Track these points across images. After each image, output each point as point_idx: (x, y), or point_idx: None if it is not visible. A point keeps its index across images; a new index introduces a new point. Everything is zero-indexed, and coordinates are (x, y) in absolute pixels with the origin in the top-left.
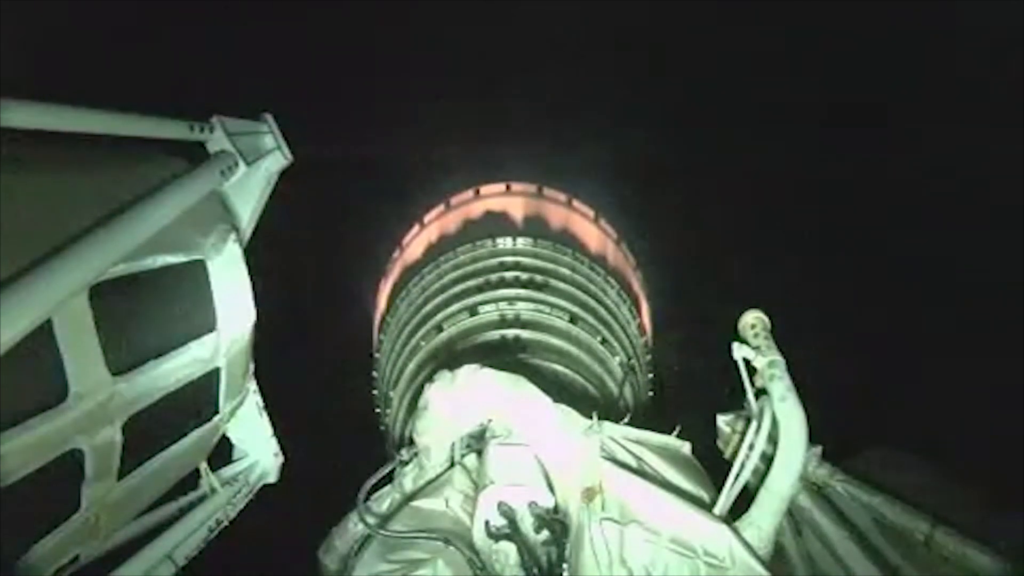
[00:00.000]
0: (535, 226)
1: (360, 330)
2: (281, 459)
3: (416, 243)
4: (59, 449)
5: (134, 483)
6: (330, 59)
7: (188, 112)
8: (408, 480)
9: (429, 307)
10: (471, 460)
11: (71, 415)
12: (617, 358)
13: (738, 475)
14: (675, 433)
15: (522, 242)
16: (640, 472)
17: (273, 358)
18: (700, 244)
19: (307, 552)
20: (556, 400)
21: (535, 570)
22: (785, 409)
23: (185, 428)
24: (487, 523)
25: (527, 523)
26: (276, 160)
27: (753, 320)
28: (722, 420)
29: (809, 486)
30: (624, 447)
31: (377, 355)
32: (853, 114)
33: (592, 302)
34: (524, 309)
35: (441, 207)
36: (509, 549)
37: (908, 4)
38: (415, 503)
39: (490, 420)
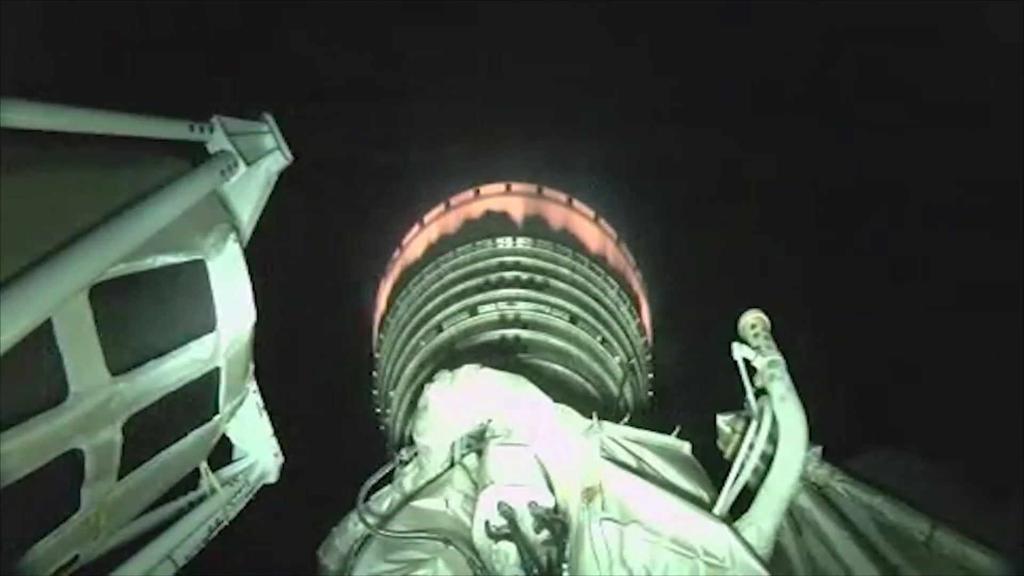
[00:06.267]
0: (535, 226)
1: (360, 330)
2: (281, 459)
3: (416, 243)
4: (59, 449)
5: (134, 483)
6: (330, 59)
7: (188, 112)
8: (408, 480)
9: (429, 307)
10: (471, 460)
11: (71, 415)
12: (617, 358)
13: (738, 475)
14: (675, 433)
15: (522, 242)
16: (640, 472)
17: (273, 358)
18: (700, 244)
19: (307, 552)
20: (556, 400)
21: (535, 570)
22: (785, 409)
23: (185, 428)
24: (487, 523)
25: (527, 523)
26: (276, 160)
27: (753, 320)
28: (722, 420)
29: (809, 486)
30: (624, 447)
31: (377, 355)
32: (854, 113)
33: (592, 302)
34: (524, 309)
35: (441, 207)
36: (509, 549)
37: (909, 4)
38: (415, 503)
39: (490, 420)
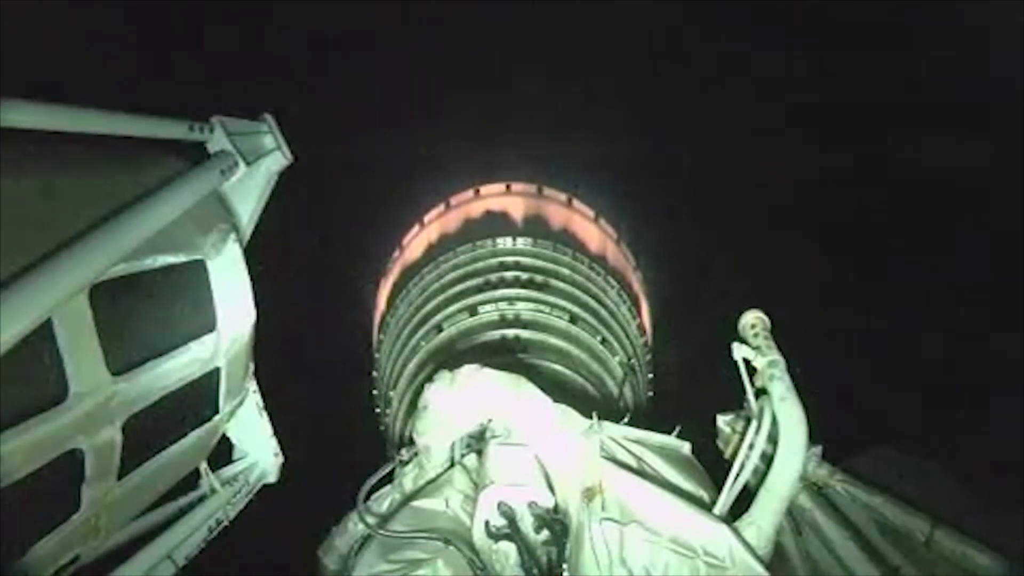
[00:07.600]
0: (535, 226)
1: (360, 330)
2: (281, 459)
3: (416, 243)
4: (59, 449)
5: (134, 483)
6: (330, 59)
7: (188, 112)
8: (408, 480)
9: (429, 307)
10: (471, 460)
11: (71, 415)
12: (617, 358)
13: (738, 475)
14: (675, 433)
15: (522, 242)
16: (640, 472)
17: (273, 358)
18: (700, 244)
19: (307, 552)
20: (556, 400)
21: (535, 570)
22: (785, 409)
23: (185, 428)
24: (487, 523)
25: (527, 523)
26: (276, 160)
27: (753, 320)
28: (722, 420)
29: (809, 486)
30: (624, 447)
31: (377, 355)
32: (854, 113)
33: (592, 302)
34: (524, 309)
35: (441, 207)
36: (509, 549)
37: (908, 4)
38: (415, 503)
39: (490, 420)
